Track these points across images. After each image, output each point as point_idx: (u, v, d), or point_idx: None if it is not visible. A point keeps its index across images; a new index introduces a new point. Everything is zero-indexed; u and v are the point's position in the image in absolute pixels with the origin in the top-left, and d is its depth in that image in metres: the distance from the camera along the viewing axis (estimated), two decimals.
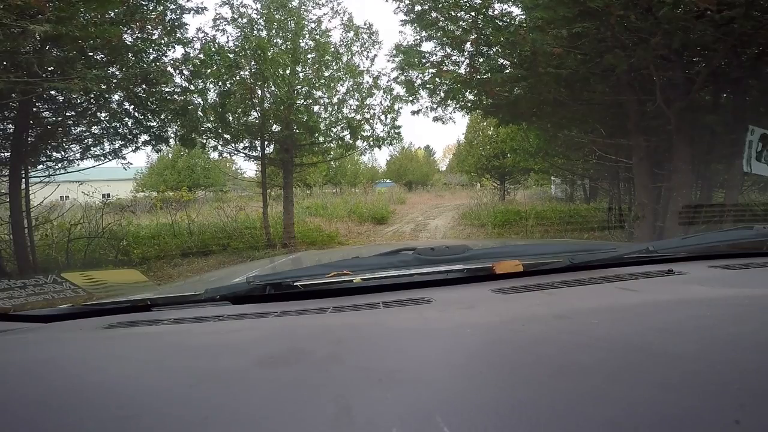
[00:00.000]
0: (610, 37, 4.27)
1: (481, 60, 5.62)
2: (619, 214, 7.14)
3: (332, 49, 7.45)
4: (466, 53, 5.77)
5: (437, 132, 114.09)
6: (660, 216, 5.30)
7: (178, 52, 6.22)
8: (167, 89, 6.09)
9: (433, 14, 5.47)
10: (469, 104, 6.52)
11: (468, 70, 5.69)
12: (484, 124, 16.29)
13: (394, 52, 6.11)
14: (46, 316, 0.85)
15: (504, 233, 8.11)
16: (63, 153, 6.44)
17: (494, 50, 5.52)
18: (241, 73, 6.92)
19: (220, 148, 7.68)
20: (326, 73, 7.44)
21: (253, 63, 6.76)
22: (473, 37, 5.35)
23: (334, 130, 7.74)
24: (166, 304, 0.86)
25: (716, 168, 5.88)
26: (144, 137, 6.58)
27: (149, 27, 5.48)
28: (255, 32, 7.09)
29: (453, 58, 5.90)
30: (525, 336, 0.52)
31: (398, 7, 5.61)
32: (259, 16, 7.19)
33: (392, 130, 7.82)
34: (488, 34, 5.15)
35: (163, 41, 5.89)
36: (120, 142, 6.45)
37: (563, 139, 7.91)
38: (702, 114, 4.77)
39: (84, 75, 4.32)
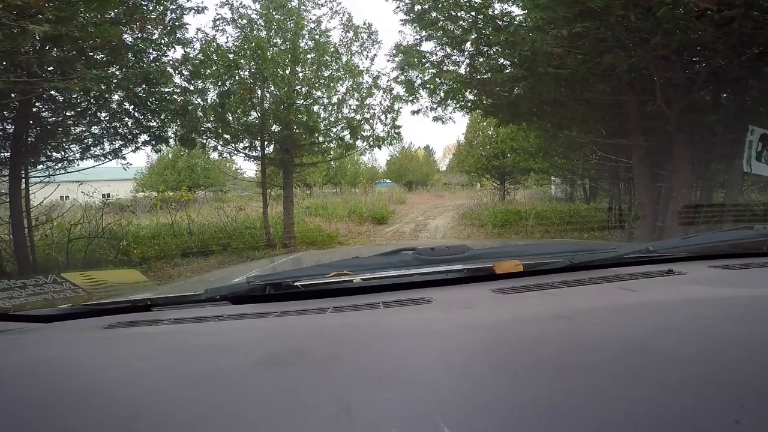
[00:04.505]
0: (610, 37, 4.27)
1: (481, 60, 5.61)
2: (619, 214, 7.14)
3: (332, 49, 7.44)
4: (466, 53, 5.77)
5: (437, 132, 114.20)
6: (660, 216, 5.30)
7: (178, 52, 6.23)
8: (167, 89, 6.09)
9: (433, 14, 5.47)
10: (469, 104, 6.52)
11: (468, 70, 5.69)
12: (484, 124, 16.26)
13: (394, 52, 6.10)
14: (46, 316, 0.85)
15: (504, 233, 8.11)
16: (63, 153, 6.43)
17: (494, 50, 5.51)
18: (241, 73, 6.92)
19: (220, 148, 7.69)
20: (326, 73, 7.44)
21: (252, 63, 6.76)
22: (473, 37, 5.35)
23: (334, 130, 7.74)
24: (166, 304, 0.86)
25: (716, 168, 5.88)
26: (144, 137, 6.57)
27: (149, 27, 5.47)
28: (254, 32, 7.09)
29: (453, 58, 5.91)
30: (525, 336, 0.52)
31: (398, 7, 5.61)
32: (258, 17, 7.19)
33: (392, 130, 7.82)
34: (488, 34, 5.15)
35: (163, 41, 5.88)
36: (120, 142, 6.44)
37: (563, 139, 7.90)
38: (702, 114, 4.76)
39: (84, 75, 4.32)
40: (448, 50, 5.84)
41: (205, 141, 7.41)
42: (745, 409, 0.32)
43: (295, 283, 0.81)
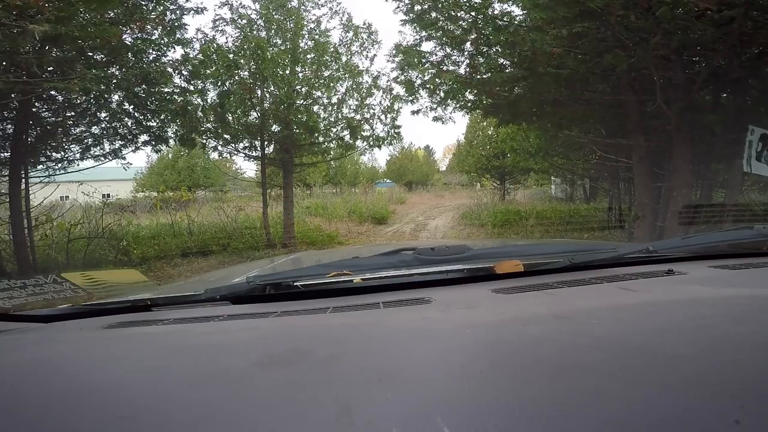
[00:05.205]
0: (610, 37, 4.27)
1: (481, 60, 5.61)
2: (619, 214, 7.14)
3: (331, 49, 7.44)
4: (466, 53, 5.77)
5: (437, 132, 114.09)
6: (660, 216, 5.30)
7: (177, 52, 6.23)
8: (167, 89, 6.09)
9: (433, 14, 5.47)
10: (469, 104, 6.51)
11: (468, 70, 5.69)
12: (484, 124, 16.27)
13: (394, 52, 6.11)
14: (46, 316, 0.85)
15: (504, 233, 8.11)
16: (63, 153, 6.43)
17: (494, 50, 5.51)
18: (241, 73, 6.92)
19: (220, 148, 7.69)
20: (326, 73, 7.44)
21: (252, 63, 6.76)
22: (473, 37, 5.34)
23: (334, 130, 7.74)
24: (166, 304, 0.86)
25: (716, 168, 5.88)
26: (144, 137, 6.58)
27: (149, 27, 5.47)
28: (254, 32, 7.09)
29: (453, 58, 5.91)
30: (525, 336, 0.52)
31: (398, 7, 5.62)
32: (258, 17, 7.20)
33: (392, 130, 7.82)
34: (488, 34, 5.14)
35: (162, 41, 5.89)
36: (120, 142, 6.45)
37: (563, 139, 7.91)
38: (702, 114, 4.76)
39: (84, 75, 4.32)
40: (448, 50, 5.84)
41: (205, 141, 7.41)
42: (745, 409, 0.32)
43: (295, 283, 0.81)
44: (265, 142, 7.68)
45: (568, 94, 5.35)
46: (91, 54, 5.10)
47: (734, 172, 4.82)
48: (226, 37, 7.05)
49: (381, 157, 78.54)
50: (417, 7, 5.51)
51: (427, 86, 6.17)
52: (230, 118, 7.05)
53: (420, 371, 0.43)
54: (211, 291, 0.86)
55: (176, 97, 6.23)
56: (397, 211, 15.39)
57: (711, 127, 4.76)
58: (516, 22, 5.05)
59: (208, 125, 7.07)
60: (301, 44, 7.34)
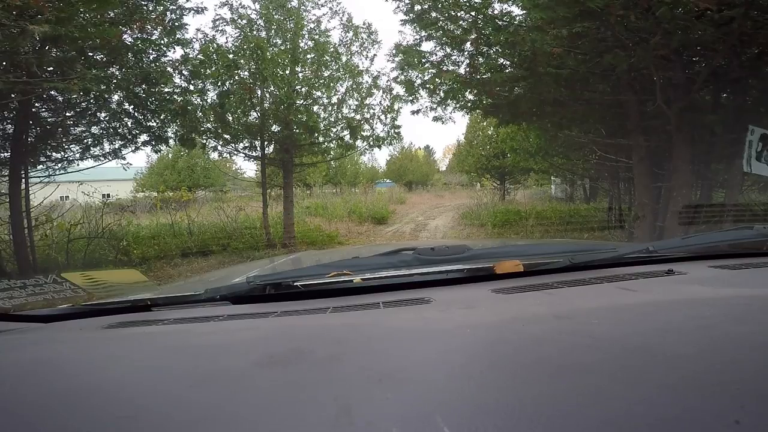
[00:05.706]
0: (610, 37, 4.28)
1: (481, 60, 5.62)
2: (619, 214, 7.14)
3: (331, 49, 7.45)
4: (466, 53, 5.77)
5: (437, 132, 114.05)
6: (660, 216, 5.30)
7: (177, 52, 6.23)
8: (167, 89, 6.09)
9: (433, 14, 5.47)
10: (469, 104, 6.51)
11: (468, 70, 5.69)
12: (484, 124, 16.27)
13: (394, 51, 6.11)
14: (46, 316, 0.85)
15: (504, 233, 8.11)
16: (63, 153, 6.43)
17: (494, 50, 5.52)
18: (241, 73, 6.92)
19: (219, 148, 7.69)
20: (326, 73, 7.44)
21: (252, 63, 6.76)
22: (473, 37, 5.35)
23: (334, 130, 7.74)
24: (166, 304, 0.86)
25: (716, 168, 5.88)
26: (144, 137, 6.57)
27: (149, 27, 5.47)
28: (254, 32, 7.09)
29: (453, 58, 5.91)
30: (525, 336, 0.52)
31: (398, 7, 5.62)
32: (258, 17, 7.20)
33: (392, 130, 7.82)
34: (488, 34, 5.15)
35: (162, 41, 5.89)
36: (120, 142, 6.44)
37: (563, 139, 7.90)
38: (702, 114, 4.77)
39: (84, 75, 4.32)
40: (448, 50, 5.84)
41: (205, 141, 7.41)
42: (745, 409, 0.32)
43: (295, 283, 0.81)
44: (265, 142, 7.68)
45: (568, 94, 5.35)
46: (91, 54, 5.10)
47: (734, 172, 4.82)
48: (226, 37, 7.06)
49: (381, 157, 78.50)
50: (417, 7, 5.51)
51: (427, 86, 6.17)
52: (230, 118, 7.05)
53: (420, 371, 0.43)
54: (211, 291, 0.86)
55: (176, 97, 6.23)
56: (397, 211, 15.39)
57: (711, 127, 4.76)
58: (516, 22, 5.05)
59: (208, 125, 7.07)
60: (301, 44, 7.34)
